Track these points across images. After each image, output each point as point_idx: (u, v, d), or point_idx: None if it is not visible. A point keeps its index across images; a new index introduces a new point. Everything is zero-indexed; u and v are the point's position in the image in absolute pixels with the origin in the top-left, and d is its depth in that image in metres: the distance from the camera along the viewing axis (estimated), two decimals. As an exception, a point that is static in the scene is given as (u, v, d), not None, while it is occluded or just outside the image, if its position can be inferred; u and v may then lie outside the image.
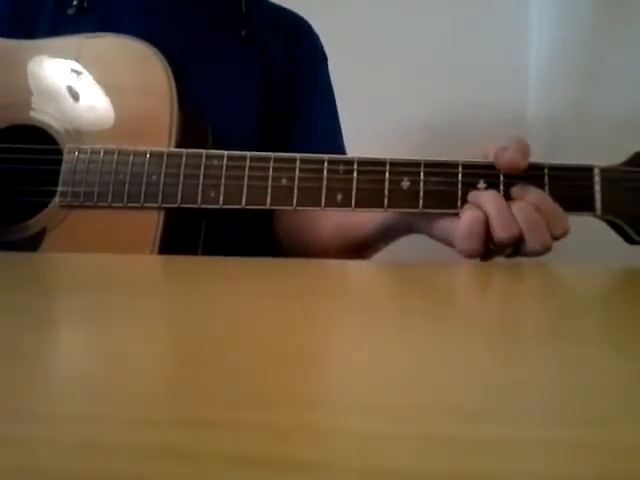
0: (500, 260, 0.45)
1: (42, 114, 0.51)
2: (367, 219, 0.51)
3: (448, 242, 0.44)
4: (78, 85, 0.51)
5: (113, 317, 0.20)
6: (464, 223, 0.42)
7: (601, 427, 0.10)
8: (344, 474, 0.09)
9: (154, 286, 0.29)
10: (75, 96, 0.51)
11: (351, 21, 1.02)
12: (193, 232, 0.53)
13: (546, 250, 0.41)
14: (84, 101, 0.51)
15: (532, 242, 0.41)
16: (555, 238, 0.42)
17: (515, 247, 0.42)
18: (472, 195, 0.44)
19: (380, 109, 0.99)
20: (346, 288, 0.29)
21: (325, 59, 0.72)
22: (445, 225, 0.44)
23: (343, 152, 0.67)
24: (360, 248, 0.54)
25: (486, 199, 0.42)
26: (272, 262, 0.39)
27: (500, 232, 0.41)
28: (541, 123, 0.99)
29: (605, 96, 0.81)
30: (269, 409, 0.11)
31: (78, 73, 0.52)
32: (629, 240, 0.44)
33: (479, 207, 0.42)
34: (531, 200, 0.42)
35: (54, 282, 0.31)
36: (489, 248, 0.42)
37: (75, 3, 0.60)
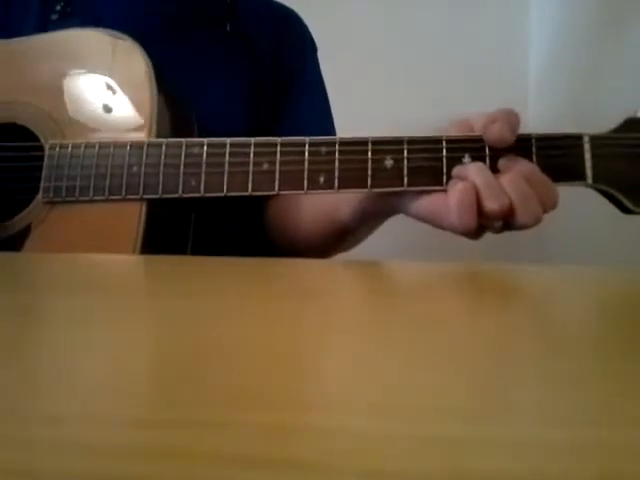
0: (500, 261, 0.44)
1: (24, 112, 0.50)
2: (345, 202, 0.50)
3: (435, 220, 0.42)
4: (59, 81, 0.51)
5: (112, 317, 0.20)
6: (454, 195, 0.40)
7: (601, 427, 0.10)
8: (344, 474, 0.09)
9: (154, 286, 0.29)
10: (56, 92, 0.51)
11: (350, 21, 1.02)
12: (182, 226, 0.53)
13: (537, 222, 0.40)
14: (65, 97, 0.50)
15: (523, 214, 0.39)
16: (544, 210, 0.40)
17: (505, 222, 0.40)
18: (457, 169, 0.42)
19: (379, 109, 0.99)
20: (346, 288, 0.29)
21: (315, 50, 0.71)
22: (432, 202, 0.42)
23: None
24: (342, 233, 0.53)
25: (473, 172, 0.41)
26: (271, 262, 0.39)
27: (491, 204, 0.39)
28: (541, 123, 0.99)
29: (605, 96, 0.81)
30: (268, 409, 0.11)
31: (58, 69, 0.51)
32: (624, 209, 0.43)
33: (466, 180, 0.41)
34: (520, 171, 0.41)
35: (53, 282, 0.31)
36: (480, 224, 0.40)
37: (59, 8, 0.60)
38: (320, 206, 0.55)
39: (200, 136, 0.54)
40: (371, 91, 1.00)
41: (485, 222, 0.40)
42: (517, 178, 0.40)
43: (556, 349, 0.16)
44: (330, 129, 0.68)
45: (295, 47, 0.69)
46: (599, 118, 0.80)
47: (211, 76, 0.62)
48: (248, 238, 0.63)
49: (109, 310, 0.21)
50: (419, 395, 0.12)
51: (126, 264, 0.39)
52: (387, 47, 1.03)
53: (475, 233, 0.41)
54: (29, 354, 0.15)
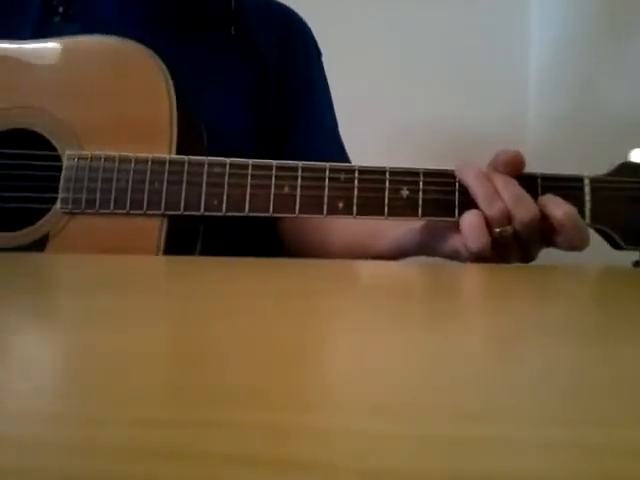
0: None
1: (40, 118, 0.50)
2: (384, 239, 0.52)
3: (457, 253, 0.45)
4: (75, 89, 0.50)
5: (113, 317, 0.20)
6: (464, 221, 0.43)
7: (601, 427, 0.10)
8: (344, 474, 0.09)
9: (154, 286, 0.29)
10: (73, 100, 0.50)
11: (350, 21, 1.02)
12: (192, 233, 0.53)
13: (534, 218, 0.42)
14: (82, 105, 0.50)
15: (519, 212, 0.42)
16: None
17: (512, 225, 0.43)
18: (458, 170, 0.45)
19: (379, 110, 0.99)
20: (346, 288, 0.29)
21: (319, 54, 0.71)
22: (452, 239, 0.45)
23: (343, 148, 0.67)
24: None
25: (471, 176, 0.44)
26: (272, 262, 0.39)
27: (489, 208, 0.42)
28: (541, 125, 0.99)
29: (605, 98, 0.81)
30: (269, 409, 0.11)
31: (75, 76, 0.51)
32: (615, 245, 0.46)
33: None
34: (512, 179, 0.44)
35: (54, 282, 0.31)
36: (495, 241, 0.43)
37: (61, 10, 0.59)
38: (352, 242, 0.56)
39: (208, 140, 0.55)
40: (371, 91, 1.00)
41: (497, 234, 0.43)
42: (509, 180, 0.43)
43: (557, 349, 0.16)
44: (337, 132, 0.68)
45: (301, 53, 0.68)
46: (599, 119, 0.81)
47: (215, 81, 0.62)
48: (254, 245, 0.63)
49: (109, 310, 0.21)
50: (419, 395, 0.12)
51: (129, 263, 0.39)
52: (387, 47, 1.03)
53: (499, 259, 0.43)
54: (30, 354, 0.15)
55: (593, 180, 0.45)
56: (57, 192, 0.48)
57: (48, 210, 0.48)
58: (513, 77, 1.04)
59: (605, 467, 0.09)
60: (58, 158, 0.49)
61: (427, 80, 1.02)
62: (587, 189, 0.45)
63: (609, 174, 0.46)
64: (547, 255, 0.45)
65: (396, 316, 0.21)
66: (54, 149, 0.49)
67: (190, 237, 0.53)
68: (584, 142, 0.81)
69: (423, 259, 0.52)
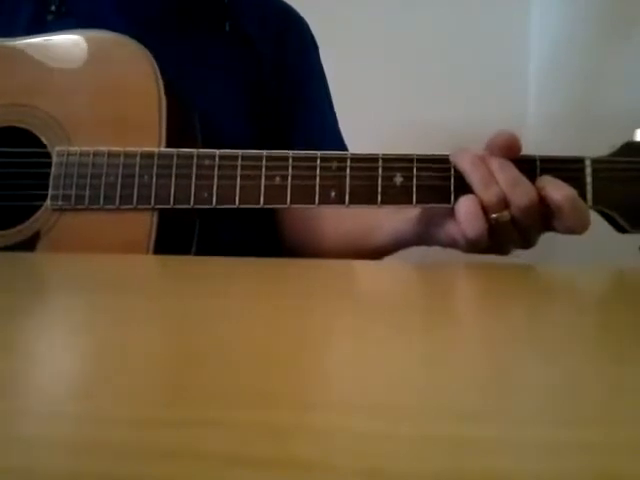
0: (500, 259, 0.44)
1: (30, 115, 0.49)
2: (380, 229, 0.52)
3: (454, 241, 0.44)
4: (65, 85, 0.50)
5: (113, 317, 0.20)
6: (460, 209, 0.42)
7: (601, 427, 0.10)
8: (344, 474, 0.09)
9: (155, 286, 0.29)
10: (62, 96, 0.50)
11: (350, 21, 1.02)
12: (187, 230, 0.53)
13: (532, 203, 0.41)
14: (71, 101, 0.49)
15: (516, 196, 0.41)
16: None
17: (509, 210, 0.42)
18: (453, 156, 0.44)
19: (379, 109, 0.99)
20: (346, 288, 0.29)
21: (317, 48, 0.70)
22: (449, 226, 0.44)
23: (344, 145, 0.67)
24: (369, 256, 0.54)
25: (467, 164, 0.43)
26: (273, 262, 0.39)
27: (485, 193, 0.41)
28: (541, 125, 0.98)
29: (605, 97, 0.81)
30: (269, 409, 0.11)
31: (64, 72, 0.50)
32: (620, 229, 0.44)
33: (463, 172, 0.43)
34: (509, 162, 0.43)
35: (53, 282, 0.31)
36: (492, 227, 0.42)
37: (53, 8, 0.59)
38: (350, 231, 0.56)
39: (203, 138, 0.54)
40: (371, 91, 1.00)
41: (493, 219, 0.41)
42: (505, 163, 0.42)
43: (556, 349, 0.16)
44: (337, 128, 0.68)
45: (298, 49, 0.68)
46: (599, 119, 0.81)
47: (210, 77, 0.61)
48: (252, 245, 0.63)
49: (109, 310, 0.21)
50: (419, 395, 0.12)
51: (129, 263, 0.39)
52: (387, 47, 1.03)
53: (497, 245, 0.42)
54: (28, 353, 0.15)
55: (595, 161, 0.44)
56: (47, 189, 0.48)
57: (39, 207, 0.48)
58: (513, 77, 1.04)
59: (605, 467, 0.09)
60: (48, 155, 0.48)
61: (427, 80, 1.02)
62: (588, 170, 0.43)
63: (612, 154, 0.44)
64: (547, 255, 0.45)
65: (396, 316, 0.21)
66: (44, 146, 0.49)
67: (184, 233, 0.52)
68: (584, 142, 0.81)
69: (423, 255, 0.52)
